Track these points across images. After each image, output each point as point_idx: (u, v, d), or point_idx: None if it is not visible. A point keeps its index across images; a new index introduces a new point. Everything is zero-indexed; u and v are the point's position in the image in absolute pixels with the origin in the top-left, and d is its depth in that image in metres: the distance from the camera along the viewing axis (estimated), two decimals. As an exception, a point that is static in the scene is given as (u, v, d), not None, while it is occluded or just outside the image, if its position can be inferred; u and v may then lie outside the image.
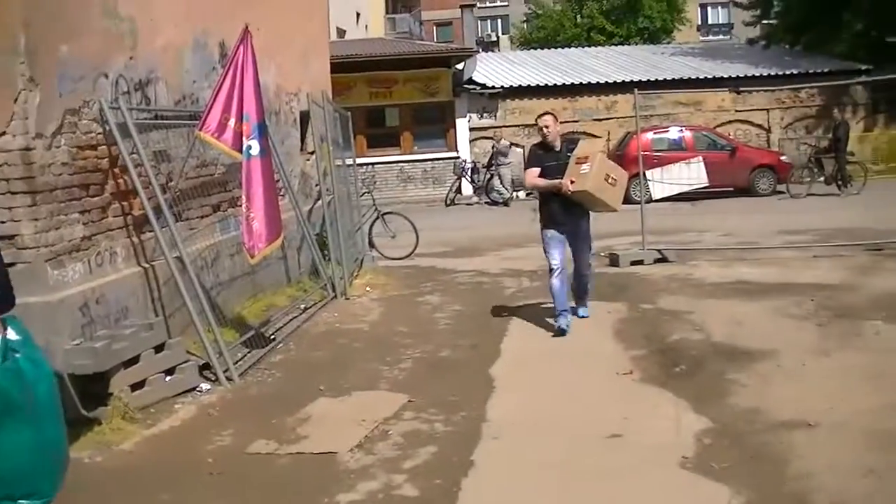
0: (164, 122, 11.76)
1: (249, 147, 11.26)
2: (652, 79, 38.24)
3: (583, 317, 13.10)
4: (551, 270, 12.42)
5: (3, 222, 8.83)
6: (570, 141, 13.30)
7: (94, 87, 10.01)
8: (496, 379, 10.28)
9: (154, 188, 10.58)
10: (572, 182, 11.96)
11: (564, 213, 12.34)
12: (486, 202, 34.55)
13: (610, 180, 12.21)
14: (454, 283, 16.91)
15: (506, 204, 33.42)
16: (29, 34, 8.81)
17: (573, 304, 13.11)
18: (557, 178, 12.12)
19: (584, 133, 37.47)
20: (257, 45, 11.78)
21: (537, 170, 12.42)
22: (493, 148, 35.51)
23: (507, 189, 34.05)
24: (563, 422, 8.66)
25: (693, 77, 38.77)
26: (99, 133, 10.04)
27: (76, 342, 9.07)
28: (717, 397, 9.13)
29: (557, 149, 12.51)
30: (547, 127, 12.44)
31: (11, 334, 5.97)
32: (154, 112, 11.54)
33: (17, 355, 5.92)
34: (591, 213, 12.82)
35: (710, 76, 39.02)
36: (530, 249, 19.20)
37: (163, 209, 10.67)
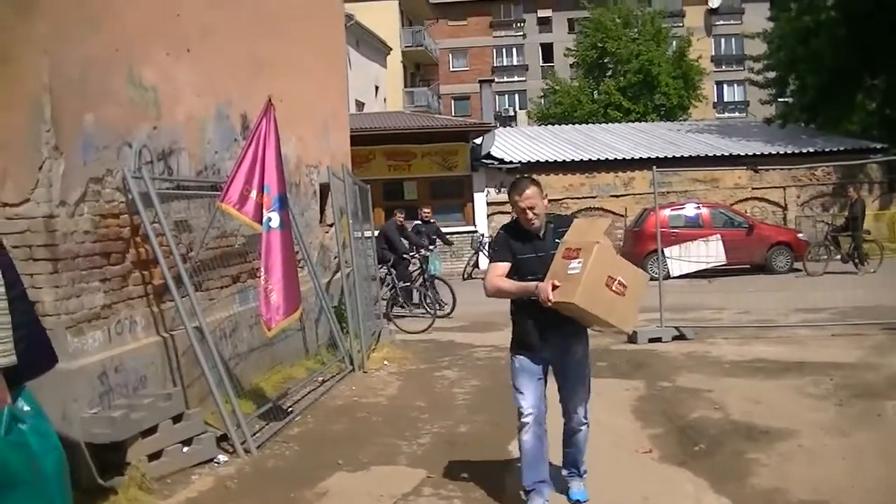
0: (186, 192, 11.79)
1: (269, 219, 11.28)
2: (669, 155, 38.38)
3: (577, 501, 8.51)
4: (521, 420, 8.13)
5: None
6: (560, 220, 8.49)
7: (118, 156, 10.04)
8: (515, 456, 10.17)
9: (175, 257, 10.59)
10: (555, 288, 7.60)
11: (545, 331, 8.06)
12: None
13: (615, 287, 7.73)
14: (472, 358, 16.85)
15: None
16: (54, 102, 8.86)
17: (565, 470, 8.80)
18: (534, 279, 7.87)
19: (601, 210, 37.57)
20: (279, 117, 11.85)
21: (505, 266, 8.07)
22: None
23: None
24: (583, 500, 8.58)
25: (710, 154, 38.89)
26: (121, 202, 10.06)
27: (94, 411, 9.04)
28: (737, 477, 9.05)
29: (541, 234, 8.11)
30: (532, 208, 7.95)
31: (21, 405, 5.89)
32: (176, 182, 11.57)
33: (24, 427, 5.82)
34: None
35: (726, 153, 39.21)
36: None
37: (183, 279, 10.67)
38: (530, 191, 7.90)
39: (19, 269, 8.71)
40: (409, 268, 22.65)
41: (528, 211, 7.90)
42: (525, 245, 8.05)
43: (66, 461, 6.31)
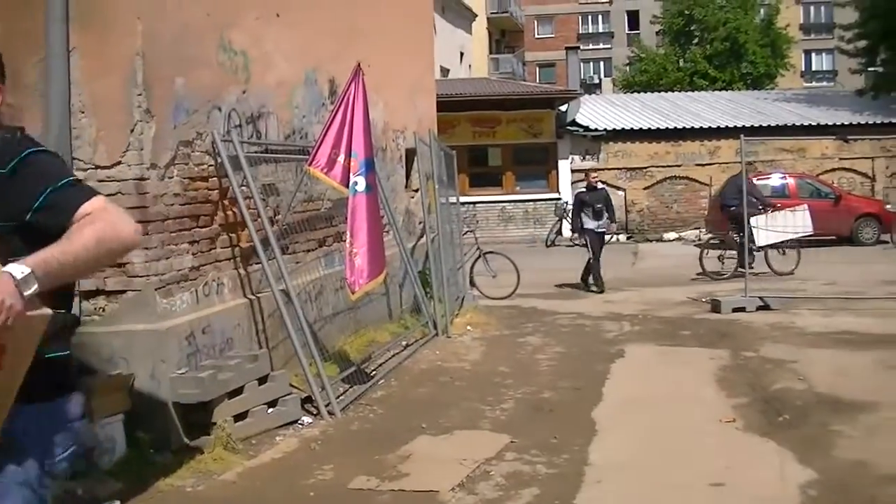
0: (274, 155, 11.88)
1: (356, 183, 11.32)
2: (756, 124, 37.88)
3: None
4: None
5: (114, 250, 8.94)
6: None
7: (208, 120, 10.14)
8: (598, 422, 10.18)
9: (262, 221, 10.67)
10: None
11: None
12: (583, 244, 34.38)
13: None
14: (555, 325, 16.83)
15: None
16: (146, 66, 8.95)
17: None
18: None
19: (686, 178, 37.35)
20: (367, 81, 11.87)
21: None
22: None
23: None
24: (666, 468, 8.57)
25: (797, 123, 38.39)
26: (210, 165, 10.16)
27: (182, 371, 9.15)
28: (822, 448, 8.97)
29: None
30: None
31: None
32: (264, 146, 11.66)
33: None
34: None
35: (814, 123, 38.59)
36: (631, 293, 19.28)
37: (270, 242, 10.75)
38: None
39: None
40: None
41: None
42: None
43: None
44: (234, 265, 10.67)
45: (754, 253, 21.37)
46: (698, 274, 22.18)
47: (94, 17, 8.81)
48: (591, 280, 21.38)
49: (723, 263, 22.76)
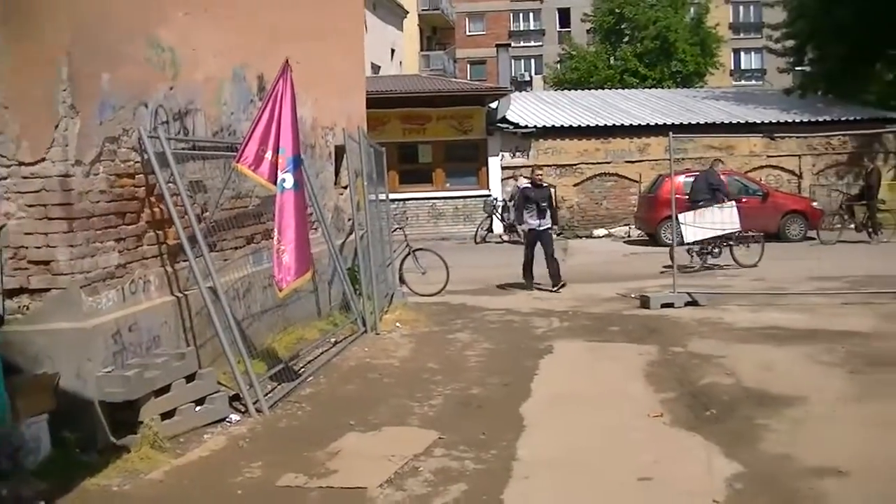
0: (202, 152, 11.80)
1: (283, 180, 11.29)
2: (685, 122, 38.12)
3: None
4: None
5: (38, 248, 8.87)
6: None
7: (134, 116, 10.06)
8: (526, 418, 10.24)
9: (190, 218, 10.62)
10: None
11: None
12: (513, 241, 34.52)
13: None
14: (484, 321, 16.85)
15: None
16: (72, 62, 8.87)
17: None
18: None
19: (616, 175, 37.59)
20: (296, 78, 11.82)
21: None
22: (516, 186, 35.23)
23: None
24: (594, 463, 8.64)
25: (726, 121, 38.73)
26: (137, 162, 10.08)
27: (108, 369, 9.07)
28: (748, 442, 9.09)
29: None
30: None
31: None
32: (192, 142, 11.58)
33: None
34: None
35: (742, 121, 38.98)
36: (560, 289, 19.24)
37: (197, 239, 10.69)
38: None
39: (34, 228, 8.81)
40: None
41: None
42: None
43: None
44: (161, 263, 10.60)
45: (720, 247, 22.70)
46: (666, 266, 22.22)
47: (19, 13, 8.72)
48: (549, 275, 20.93)
49: (692, 257, 23.10)
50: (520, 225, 21.83)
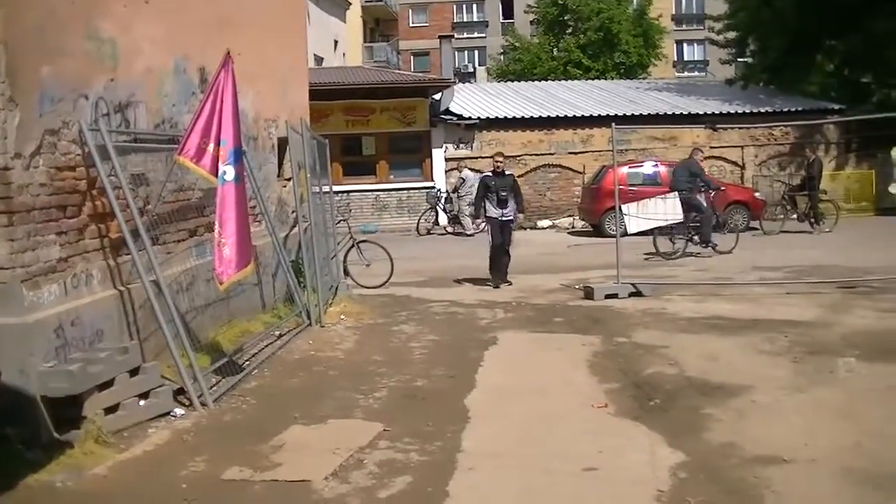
0: (143, 145, 11.72)
1: (224, 173, 11.22)
2: (628, 113, 38.35)
3: None
4: None
5: (-22, 242, 8.79)
6: None
7: (74, 109, 9.96)
8: (471, 409, 10.25)
9: (132, 211, 10.53)
10: None
11: None
12: (457, 232, 34.52)
13: None
14: (429, 313, 16.87)
15: (470, 235, 33.33)
16: (9, 54, 8.77)
17: None
18: None
19: (559, 166, 37.71)
20: (237, 70, 11.77)
21: None
22: (460, 178, 35.20)
23: (469, 219, 33.99)
24: (539, 454, 8.65)
25: (669, 113, 38.96)
26: (78, 154, 9.99)
27: (50, 364, 9.00)
28: (691, 432, 9.14)
29: None
30: None
31: None
32: (133, 135, 11.50)
33: None
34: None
35: (685, 112, 39.20)
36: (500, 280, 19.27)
37: (140, 232, 10.62)
38: None
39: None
40: None
41: None
42: None
43: None
44: (103, 256, 10.51)
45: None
46: (649, 254, 23.12)
47: (-45, 4, 8.64)
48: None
49: (674, 243, 23.64)
50: (477, 217, 21.27)
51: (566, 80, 55.85)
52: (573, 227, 35.16)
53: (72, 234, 9.84)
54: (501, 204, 19.93)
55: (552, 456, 8.55)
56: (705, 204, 24.33)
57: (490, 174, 20.65)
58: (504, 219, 20.07)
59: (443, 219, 36.29)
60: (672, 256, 23.29)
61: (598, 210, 31.37)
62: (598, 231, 31.18)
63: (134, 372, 9.85)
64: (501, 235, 20.05)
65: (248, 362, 12.61)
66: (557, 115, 39.21)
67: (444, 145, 38.44)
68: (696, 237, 23.87)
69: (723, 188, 28.27)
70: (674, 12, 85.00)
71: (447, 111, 38.36)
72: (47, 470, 8.24)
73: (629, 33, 65.70)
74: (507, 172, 20.71)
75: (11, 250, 8.80)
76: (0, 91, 8.71)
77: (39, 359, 8.91)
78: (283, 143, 17.63)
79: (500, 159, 20.78)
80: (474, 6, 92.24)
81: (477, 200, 20.77)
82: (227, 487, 7.98)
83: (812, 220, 29.59)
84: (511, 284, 19.90)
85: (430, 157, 38.54)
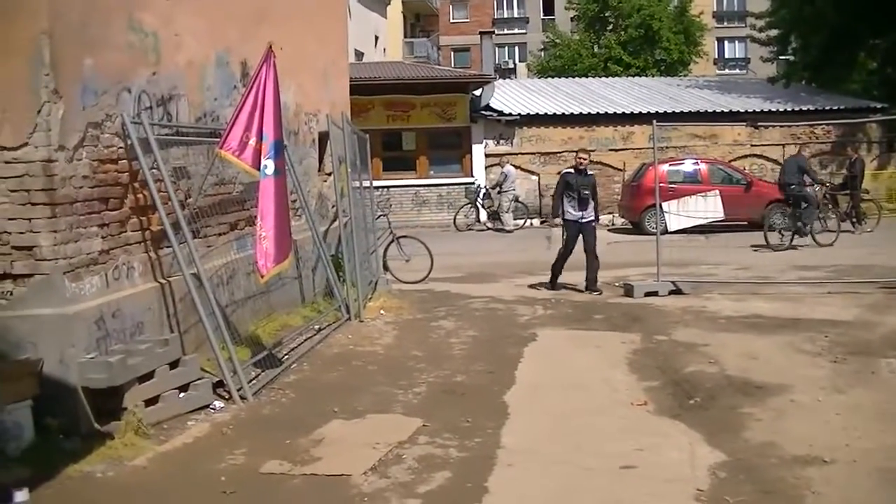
0: (185, 138, 11.75)
1: (265, 166, 11.24)
2: (669, 110, 38.08)
3: None
4: None
5: (21, 233, 8.82)
6: None
7: (117, 102, 10.00)
8: (510, 406, 10.24)
9: (173, 204, 10.57)
10: None
11: None
12: (497, 228, 34.48)
13: None
14: (468, 309, 16.85)
15: (510, 232, 33.35)
16: (54, 46, 8.81)
17: None
18: None
19: (600, 163, 37.57)
20: (279, 64, 11.78)
21: None
22: (502, 173, 35.10)
23: (509, 216, 34.03)
24: (577, 451, 8.63)
25: (709, 110, 38.75)
26: (120, 147, 10.03)
27: (91, 356, 9.04)
28: (731, 431, 9.10)
29: None
30: None
31: None
32: (175, 128, 11.52)
33: None
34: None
35: (726, 110, 39.01)
36: (543, 277, 19.18)
37: (181, 225, 10.66)
38: None
39: (17, 214, 8.77)
40: None
41: None
42: None
43: None
44: (144, 249, 10.55)
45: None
46: (757, 245, 24.46)
47: (-1, -3, 8.69)
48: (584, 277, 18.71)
49: (782, 236, 24.68)
50: (555, 217, 19.42)
51: (606, 76, 55.57)
52: (613, 224, 34.99)
53: (113, 226, 9.88)
54: (582, 204, 18.48)
55: (590, 453, 8.53)
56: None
57: (572, 171, 18.92)
58: (584, 220, 18.56)
59: (483, 215, 36.25)
60: (779, 249, 24.11)
61: (638, 207, 31.23)
62: (638, 228, 31.00)
63: (174, 364, 9.88)
64: (577, 239, 18.51)
65: (287, 356, 12.63)
66: (597, 112, 39.00)
67: (484, 141, 38.32)
68: (804, 229, 24.88)
69: (827, 184, 29.47)
70: (715, 9, 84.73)
71: (487, 107, 38.25)
72: (87, 460, 8.28)
73: (670, 30, 65.40)
74: (587, 171, 18.94)
75: (54, 242, 8.84)
76: (44, 83, 8.76)
77: (80, 350, 8.95)
78: (323, 138, 17.64)
79: (585, 156, 18.98)
80: (515, 2, 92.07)
81: (556, 199, 19.13)
82: (266, 481, 8.00)
83: (854, 219, 29.34)
84: (601, 294, 18.11)
85: (470, 152, 38.42)
